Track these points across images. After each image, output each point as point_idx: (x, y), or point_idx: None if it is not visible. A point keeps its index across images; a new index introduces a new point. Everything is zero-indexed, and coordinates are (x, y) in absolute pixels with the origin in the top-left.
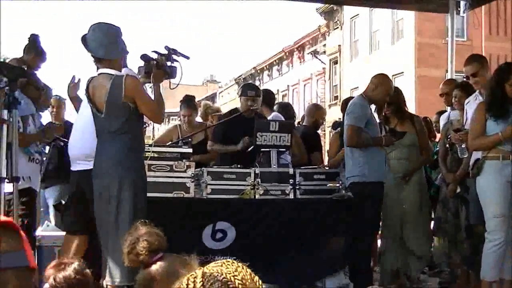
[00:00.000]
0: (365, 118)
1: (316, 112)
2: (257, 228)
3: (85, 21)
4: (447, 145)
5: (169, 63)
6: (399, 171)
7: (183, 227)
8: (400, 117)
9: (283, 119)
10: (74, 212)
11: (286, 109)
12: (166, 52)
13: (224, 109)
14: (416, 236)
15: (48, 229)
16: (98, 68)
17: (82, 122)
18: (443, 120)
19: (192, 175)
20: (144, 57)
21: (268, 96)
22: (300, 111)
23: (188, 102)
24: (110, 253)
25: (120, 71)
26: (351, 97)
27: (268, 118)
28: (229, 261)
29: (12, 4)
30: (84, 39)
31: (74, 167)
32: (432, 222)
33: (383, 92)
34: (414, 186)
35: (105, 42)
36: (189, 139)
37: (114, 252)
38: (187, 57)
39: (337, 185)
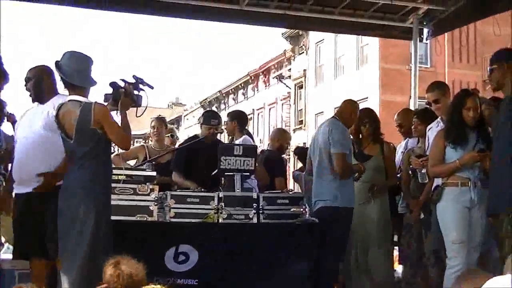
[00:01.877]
0: (350, 144)
1: (281, 136)
2: (220, 251)
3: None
4: (410, 171)
5: (136, 92)
6: (363, 194)
7: (146, 249)
8: (373, 140)
9: (252, 143)
10: (24, 238)
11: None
12: (133, 81)
13: (189, 132)
14: (379, 260)
15: (8, 252)
16: (69, 94)
17: (32, 141)
18: (400, 148)
19: (156, 198)
20: (113, 85)
21: (242, 117)
22: (265, 135)
23: (160, 117)
24: (68, 274)
25: (87, 97)
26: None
27: (238, 141)
28: None
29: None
30: (58, 65)
31: (23, 189)
32: (396, 249)
33: (355, 115)
34: (377, 207)
35: (80, 70)
36: (153, 162)
37: (72, 272)
38: (152, 87)
39: (301, 209)
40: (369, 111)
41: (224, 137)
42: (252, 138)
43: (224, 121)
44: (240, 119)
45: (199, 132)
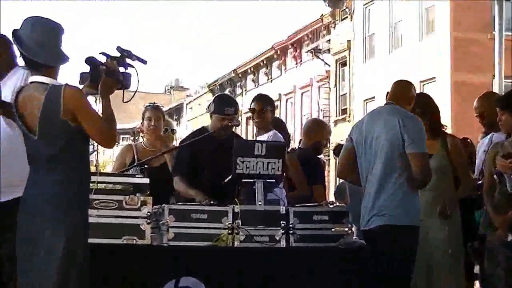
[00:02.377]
0: None
1: (318, 130)
2: (235, 287)
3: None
4: (495, 176)
5: (122, 69)
6: (424, 207)
7: (136, 284)
8: (431, 134)
9: (282, 139)
10: None
11: (278, 127)
12: (118, 54)
13: (193, 125)
14: None
15: None
16: (31, 74)
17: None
18: (482, 146)
19: (149, 214)
20: (89, 61)
21: (274, 104)
22: (296, 129)
23: (157, 105)
24: None
25: (56, 79)
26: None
27: (264, 137)
28: None
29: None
30: (17, 36)
31: None
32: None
33: (412, 98)
34: (445, 225)
35: (45, 42)
36: (146, 166)
37: None
38: (144, 62)
39: (346, 229)
40: (422, 97)
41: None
42: (284, 131)
43: (249, 108)
44: (274, 107)
45: (208, 124)
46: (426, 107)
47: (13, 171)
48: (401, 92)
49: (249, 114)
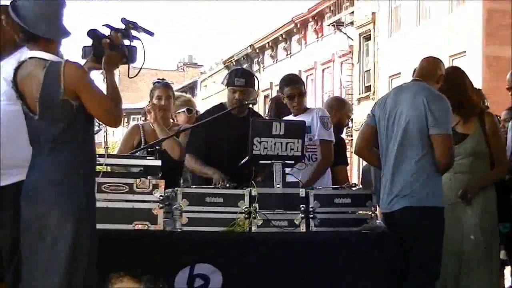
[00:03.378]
0: None
1: (340, 108)
2: (252, 273)
3: None
4: None
5: (127, 42)
6: (453, 190)
7: (148, 271)
8: (464, 112)
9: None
10: None
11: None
12: (123, 26)
13: (208, 104)
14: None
15: None
16: (30, 49)
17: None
18: None
19: (161, 198)
20: (92, 33)
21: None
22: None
23: (166, 83)
24: None
25: (58, 55)
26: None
27: (309, 115)
28: None
29: None
30: (15, 7)
31: None
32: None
33: (441, 77)
34: (477, 210)
35: (45, 15)
36: (156, 147)
37: None
38: (151, 33)
39: (369, 212)
40: (453, 71)
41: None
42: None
43: (282, 95)
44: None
45: (225, 101)
46: (458, 83)
47: (13, 152)
48: (429, 69)
49: (271, 96)
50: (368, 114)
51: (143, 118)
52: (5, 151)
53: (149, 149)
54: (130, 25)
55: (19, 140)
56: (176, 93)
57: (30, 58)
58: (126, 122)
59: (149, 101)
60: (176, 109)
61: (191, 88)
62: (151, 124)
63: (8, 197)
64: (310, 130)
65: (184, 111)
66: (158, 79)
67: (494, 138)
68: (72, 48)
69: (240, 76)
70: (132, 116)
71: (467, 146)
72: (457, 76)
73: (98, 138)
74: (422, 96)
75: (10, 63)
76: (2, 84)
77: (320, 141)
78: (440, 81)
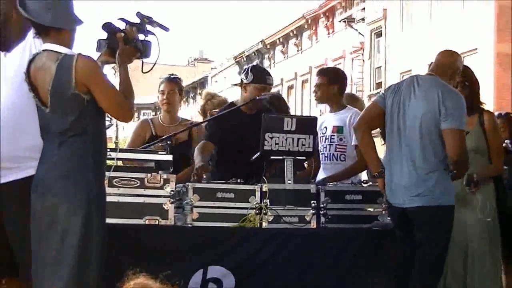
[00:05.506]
0: None
1: (351, 104)
2: (265, 271)
3: None
4: None
5: (141, 37)
6: (456, 185)
7: (160, 270)
8: (471, 109)
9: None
10: None
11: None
12: (138, 20)
13: None
14: (484, 280)
15: None
16: (43, 42)
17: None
18: None
19: (172, 193)
20: (107, 27)
21: (345, 80)
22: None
23: (171, 77)
24: None
25: (71, 48)
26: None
27: (341, 115)
28: None
29: None
30: (22, 1)
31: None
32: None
33: (456, 77)
34: (478, 205)
35: (51, 5)
36: (168, 142)
37: None
38: (167, 29)
39: (380, 209)
40: (466, 69)
41: None
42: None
43: (317, 84)
44: (342, 82)
45: (237, 98)
46: (464, 79)
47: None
48: (444, 63)
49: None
50: (380, 93)
51: (153, 113)
52: (15, 143)
53: (162, 144)
54: (145, 20)
55: (29, 132)
56: (212, 93)
57: (44, 50)
58: (137, 117)
59: (157, 96)
60: (212, 107)
61: (201, 83)
62: (159, 119)
63: (18, 192)
64: (342, 130)
65: (206, 102)
66: (169, 74)
67: (493, 135)
68: (87, 41)
69: (270, 75)
70: (142, 111)
71: (468, 142)
72: (469, 74)
73: (109, 132)
74: (436, 90)
75: (15, 53)
76: (10, 75)
77: (356, 146)
78: (456, 76)
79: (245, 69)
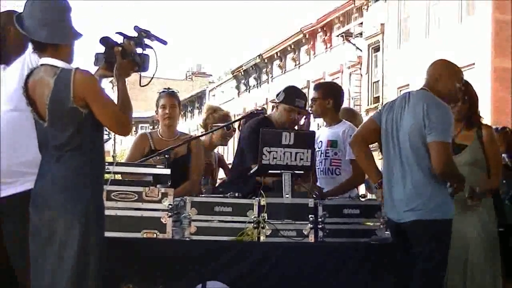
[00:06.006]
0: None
1: (349, 119)
2: (263, 285)
3: None
4: None
5: (139, 50)
6: (458, 199)
7: (158, 284)
8: (467, 123)
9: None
10: None
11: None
12: (135, 34)
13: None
14: None
15: None
16: (40, 57)
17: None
18: None
19: (170, 207)
20: (105, 41)
21: (340, 94)
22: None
23: (170, 91)
24: None
25: (70, 62)
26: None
27: (337, 128)
28: None
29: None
30: (19, 19)
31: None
32: None
33: (452, 82)
34: (477, 219)
35: (47, 20)
36: (166, 155)
37: None
38: (164, 42)
39: (378, 223)
40: (467, 84)
41: None
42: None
43: (313, 98)
44: (337, 96)
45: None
46: (465, 94)
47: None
48: (429, 73)
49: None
50: (378, 110)
51: (151, 127)
52: (13, 158)
53: (158, 157)
54: (143, 33)
55: (27, 147)
56: (214, 106)
57: (41, 64)
58: (135, 131)
59: (155, 110)
60: (213, 121)
61: (199, 97)
62: (158, 133)
63: (17, 206)
64: (336, 144)
65: (221, 126)
66: (165, 88)
67: (491, 148)
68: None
69: (300, 98)
70: (140, 125)
71: (466, 157)
72: (470, 90)
73: (107, 146)
74: (421, 104)
75: (14, 67)
76: (9, 90)
77: (351, 160)
78: (444, 77)
79: (283, 88)
